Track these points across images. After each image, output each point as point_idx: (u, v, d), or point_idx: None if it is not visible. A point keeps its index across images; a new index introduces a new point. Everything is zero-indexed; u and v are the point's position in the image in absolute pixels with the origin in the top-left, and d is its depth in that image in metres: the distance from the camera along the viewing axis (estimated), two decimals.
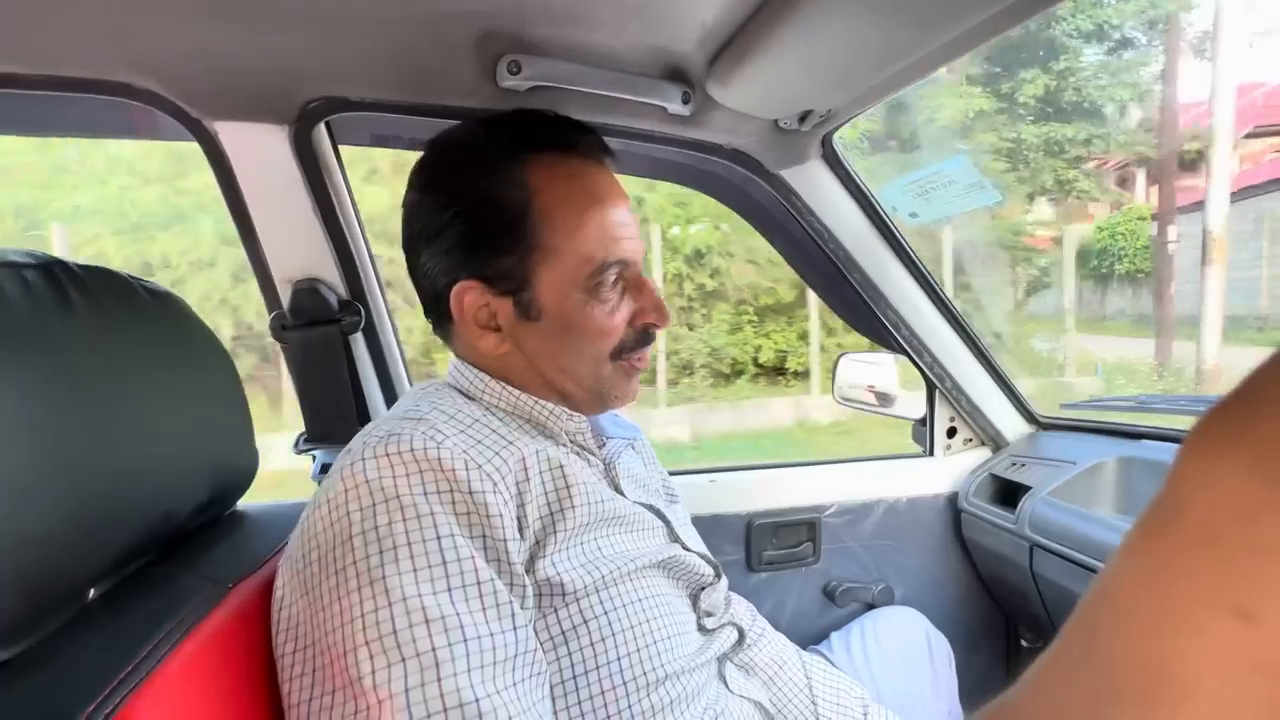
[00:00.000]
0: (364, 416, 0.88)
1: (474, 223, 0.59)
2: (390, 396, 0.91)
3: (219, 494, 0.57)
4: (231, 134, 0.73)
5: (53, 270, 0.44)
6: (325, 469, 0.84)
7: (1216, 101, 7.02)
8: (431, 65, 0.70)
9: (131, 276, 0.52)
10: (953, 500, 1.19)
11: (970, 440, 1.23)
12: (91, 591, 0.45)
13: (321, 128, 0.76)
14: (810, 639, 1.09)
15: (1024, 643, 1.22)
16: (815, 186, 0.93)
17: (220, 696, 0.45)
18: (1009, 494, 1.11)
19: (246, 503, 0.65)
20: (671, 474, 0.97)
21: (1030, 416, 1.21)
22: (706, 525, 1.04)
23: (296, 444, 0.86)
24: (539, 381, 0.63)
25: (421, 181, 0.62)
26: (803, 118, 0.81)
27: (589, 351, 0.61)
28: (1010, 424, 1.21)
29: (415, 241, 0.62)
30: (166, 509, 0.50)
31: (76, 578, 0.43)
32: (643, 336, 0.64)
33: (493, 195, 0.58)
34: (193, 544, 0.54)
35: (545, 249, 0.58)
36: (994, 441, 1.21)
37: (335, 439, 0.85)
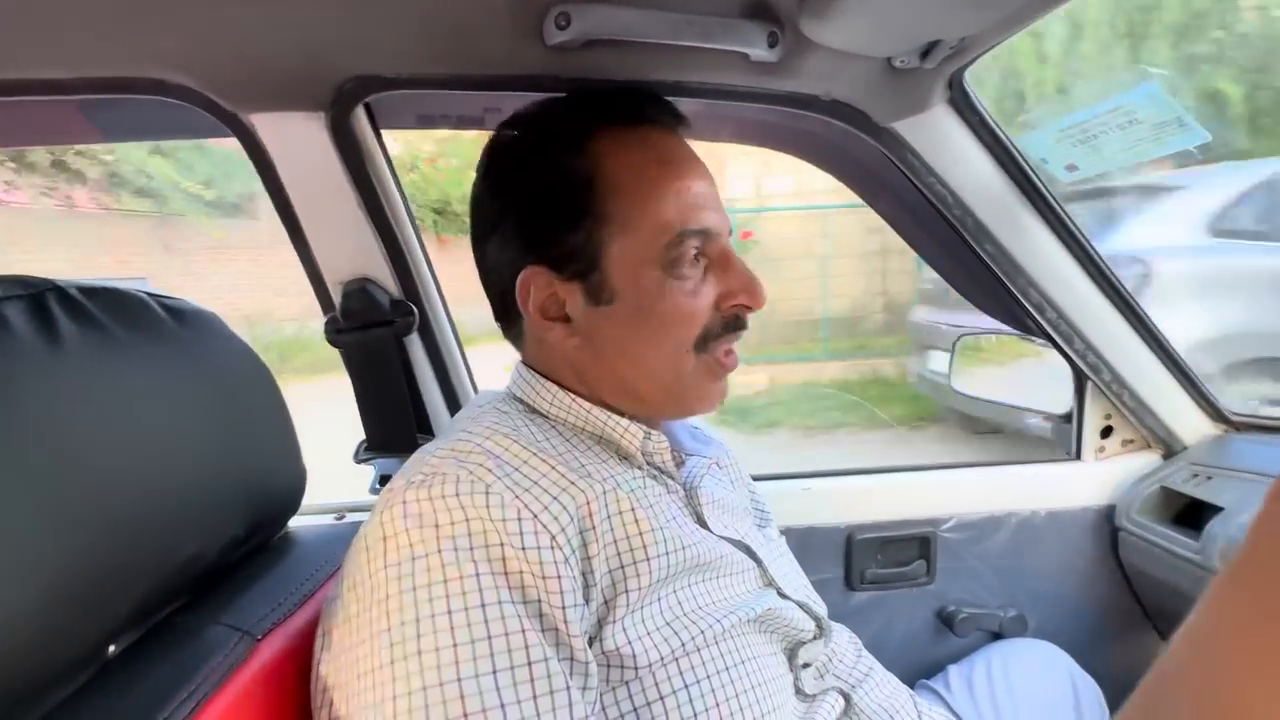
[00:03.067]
0: (423, 423, 0.84)
1: (538, 200, 0.54)
2: (451, 400, 0.86)
3: (260, 523, 0.53)
4: (268, 126, 0.68)
5: (43, 299, 0.39)
6: (384, 480, 0.80)
7: None
8: (469, 28, 0.60)
9: (150, 294, 0.48)
10: (1108, 515, 0.98)
11: (1131, 442, 1.00)
12: (111, 648, 0.42)
13: (360, 111, 0.69)
14: (921, 671, 0.95)
15: None
16: (938, 139, 0.75)
17: None
18: (1188, 513, 0.89)
19: (295, 523, 0.62)
20: (758, 479, 0.86)
21: (1218, 414, 0.97)
22: (800, 539, 0.92)
23: (356, 454, 0.83)
24: (611, 383, 0.55)
25: (485, 165, 0.58)
26: (925, 53, 0.63)
27: (669, 339, 0.53)
28: (1189, 423, 0.97)
29: (481, 231, 0.57)
30: (194, 550, 0.45)
31: (92, 637, 0.39)
32: (732, 323, 0.55)
33: (556, 168, 0.53)
34: (225, 585, 0.50)
35: (615, 221, 0.52)
36: (1165, 445, 0.98)
37: (394, 448, 0.81)
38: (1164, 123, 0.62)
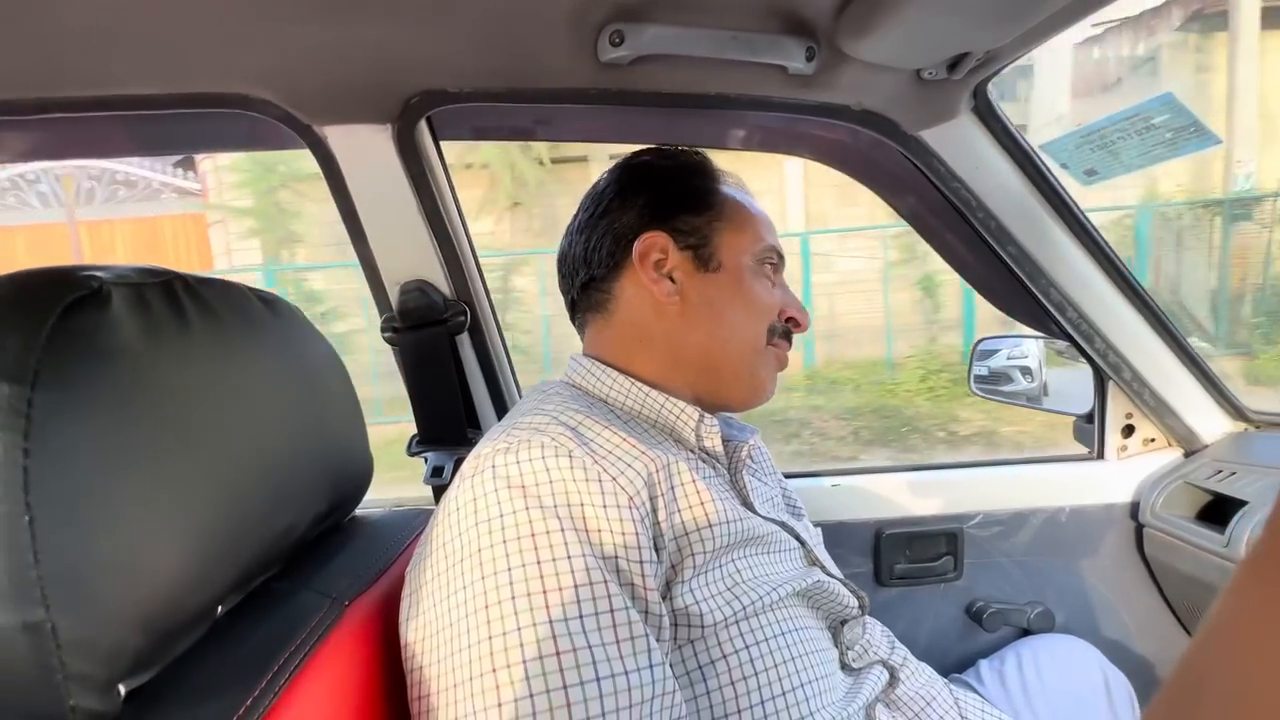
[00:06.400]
0: (472, 418, 0.87)
1: (671, 186, 0.65)
2: (497, 397, 0.89)
3: (337, 502, 0.57)
4: (339, 137, 0.73)
5: (172, 286, 0.44)
6: (436, 472, 0.84)
7: None
8: (528, 46, 0.65)
9: (246, 286, 0.52)
10: (1132, 512, 1.00)
11: (1153, 440, 1.03)
12: (219, 609, 0.45)
13: (423, 124, 0.74)
14: (952, 666, 0.96)
15: None
16: (963, 146, 0.79)
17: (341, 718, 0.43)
18: (1212, 509, 0.91)
19: (364, 508, 0.65)
20: (787, 476, 0.89)
21: (1238, 412, 0.99)
22: (830, 534, 0.94)
23: (409, 447, 0.87)
24: (694, 350, 0.61)
25: (624, 167, 0.68)
26: (953, 65, 0.68)
27: (751, 317, 0.63)
28: (1209, 421, 0.99)
29: (602, 211, 0.65)
30: (288, 522, 0.49)
31: (205, 599, 0.42)
32: (787, 331, 0.66)
33: (688, 173, 0.66)
34: (312, 556, 0.54)
35: (729, 220, 0.64)
36: (1186, 443, 1.00)
37: (446, 441, 0.85)
38: (1181, 127, 0.66)
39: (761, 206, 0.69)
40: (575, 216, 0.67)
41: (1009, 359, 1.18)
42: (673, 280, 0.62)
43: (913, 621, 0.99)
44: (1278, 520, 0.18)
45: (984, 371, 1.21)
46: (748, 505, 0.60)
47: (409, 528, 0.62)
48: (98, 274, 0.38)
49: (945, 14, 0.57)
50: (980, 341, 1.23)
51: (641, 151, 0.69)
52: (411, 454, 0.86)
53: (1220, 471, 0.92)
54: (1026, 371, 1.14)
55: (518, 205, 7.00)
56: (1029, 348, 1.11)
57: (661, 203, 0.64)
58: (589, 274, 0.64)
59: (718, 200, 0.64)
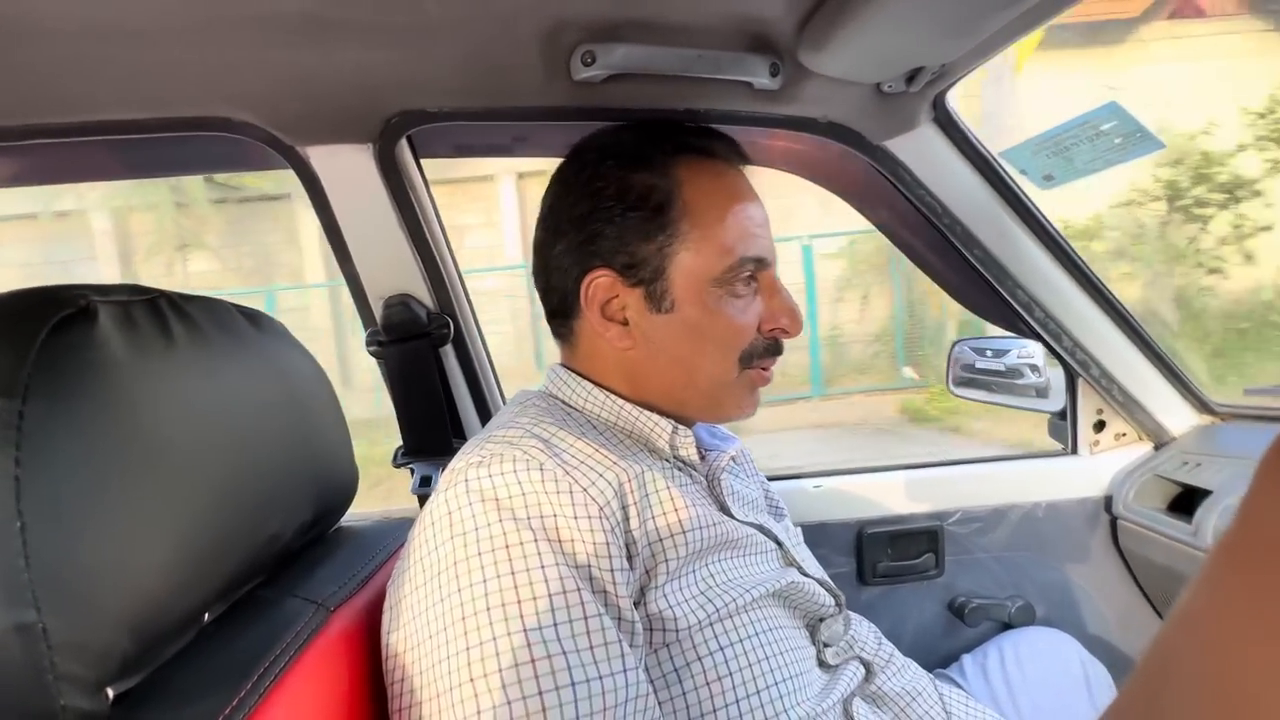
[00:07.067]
0: (457, 428, 0.89)
1: (617, 209, 0.57)
2: (481, 407, 0.91)
3: (322, 513, 0.58)
4: (322, 157, 0.75)
5: (158, 304, 0.45)
6: (424, 481, 0.85)
7: None
8: (503, 66, 0.68)
9: (233, 304, 0.54)
10: (1106, 505, 1.02)
11: (1124, 435, 1.06)
12: (205, 615, 0.46)
13: (403, 143, 0.76)
14: (936, 661, 0.98)
15: None
16: (926, 155, 0.82)
17: None
18: (1181, 499, 0.94)
19: (349, 517, 0.66)
20: (770, 479, 0.90)
21: (1203, 405, 1.02)
22: (813, 534, 0.96)
23: (395, 458, 0.88)
24: (657, 384, 0.60)
25: (566, 174, 0.62)
26: (910, 78, 0.71)
27: (719, 351, 0.58)
28: (1176, 415, 1.02)
29: (552, 234, 0.61)
30: (274, 531, 0.50)
31: (192, 605, 0.43)
32: (772, 346, 0.61)
33: (639, 182, 0.58)
34: (297, 564, 0.55)
35: (685, 239, 0.57)
36: (1155, 436, 1.04)
37: (431, 452, 0.86)
38: (1128, 133, 0.69)
39: (745, 195, 0.60)
40: (535, 230, 0.64)
41: (1019, 357, 1.19)
42: (626, 323, 0.58)
43: (896, 619, 1.01)
44: (1245, 511, 0.19)
45: (971, 368, 1.23)
46: (725, 511, 0.61)
47: (394, 536, 0.64)
48: (86, 292, 0.39)
49: (898, 30, 0.60)
50: (957, 343, 1.26)
51: (587, 149, 0.62)
52: (397, 465, 0.87)
53: (1188, 463, 0.95)
54: (1035, 369, 1.16)
55: (186, 247, 7.02)
56: (1033, 348, 1.13)
57: (607, 231, 0.58)
58: (550, 308, 0.63)
59: (671, 219, 0.57)
